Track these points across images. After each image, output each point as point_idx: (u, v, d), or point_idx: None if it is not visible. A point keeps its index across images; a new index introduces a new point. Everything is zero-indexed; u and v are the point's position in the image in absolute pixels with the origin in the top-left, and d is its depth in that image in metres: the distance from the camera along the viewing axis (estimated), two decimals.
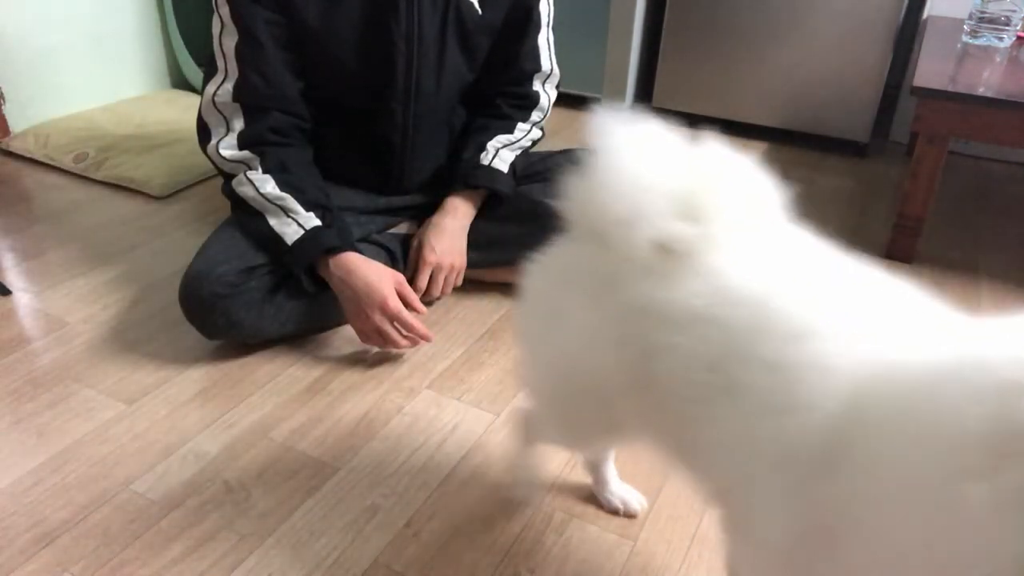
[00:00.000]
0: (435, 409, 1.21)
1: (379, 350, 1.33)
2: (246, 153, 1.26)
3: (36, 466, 1.08)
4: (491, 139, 1.45)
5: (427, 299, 1.42)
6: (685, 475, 0.74)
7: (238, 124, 1.26)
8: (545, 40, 1.47)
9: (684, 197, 0.68)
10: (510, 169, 1.44)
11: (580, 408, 0.84)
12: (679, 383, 0.67)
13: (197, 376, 1.26)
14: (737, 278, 0.66)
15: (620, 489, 1.04)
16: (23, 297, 1.47)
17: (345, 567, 0.95)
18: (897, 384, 0.52)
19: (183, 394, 1.23)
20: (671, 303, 0.68)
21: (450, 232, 1.40)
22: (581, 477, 1.09)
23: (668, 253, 0.68)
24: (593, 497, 1.06)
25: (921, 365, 0.52)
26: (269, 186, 1.25)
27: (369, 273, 1.23)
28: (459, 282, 1.43)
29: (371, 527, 1.00)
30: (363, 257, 1.26)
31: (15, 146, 2.07)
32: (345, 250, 1.24)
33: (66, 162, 1.99)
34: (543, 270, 0.82)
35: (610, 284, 0.73)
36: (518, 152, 1.47)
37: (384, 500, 1.04)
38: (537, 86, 1.50)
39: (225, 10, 1.24)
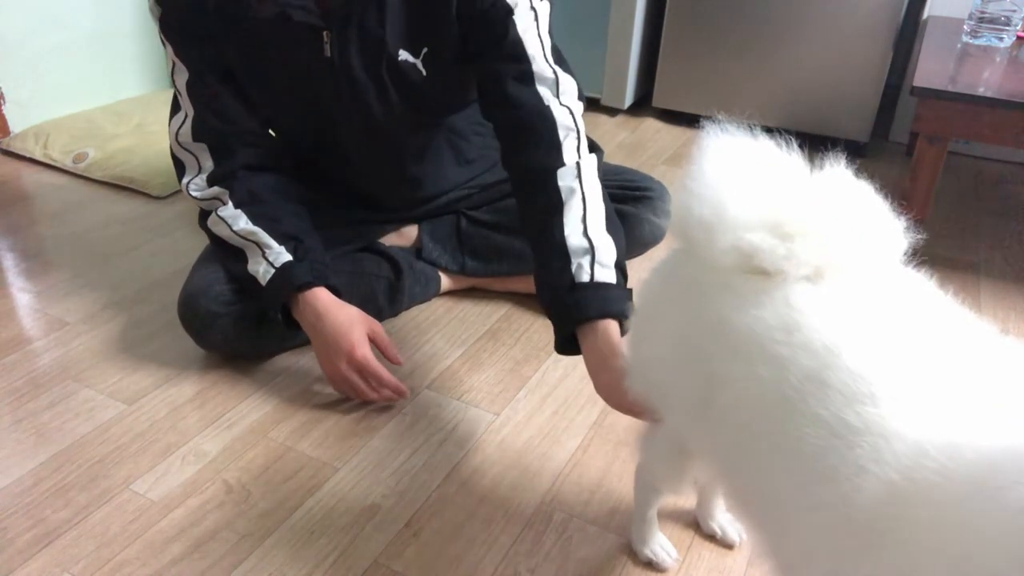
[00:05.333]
0: (435, 409, 1.21)
1: (355, 401, 1.22)
2: (215, 189, 1.22)
3: (36, 466, 1.08)
4: (561, 232, 1.05)
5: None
6: (744, 523, 0.70)
7: (208, 163, 1.23)
8: (537, 45, 1.14)
9: (776, 212, 0.62)
10: (616, 260, 1.05)
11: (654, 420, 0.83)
12: (735, 423, 0.63)
13: (197, 376, 1.26)
14: (813, 318, 0.58)
15: (723, 518, 1.00)
16: (23, 297, 1.47)
17: (345, 567, 0.95)
18: (958, 464, 0.49)
19: (183, 394, 1.23)
20: (737, 327, 0.62)
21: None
22: (581, 477, 1.09)
23: (750, 271, 0.63)
24: (593, 497, 1.06)
25: (988, 447, 0.48)
26: (242, 222, 1.20)
27: (339, 318, 1.15)
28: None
29: (371, 527, 1.00)
30: (335, 299, 1.17)
31: (15, 146, 2.07)
32: (317, 285, 1.16)
33: (66, 162, 1.99)
34: (656, 271, 0.80)
35: (692, 296, 0.70)
36: (605, 220, 1.08)
37: (384, 500, 1.04)
38: (549, 100, 1.11)
39: (169, 49, 1.19)
